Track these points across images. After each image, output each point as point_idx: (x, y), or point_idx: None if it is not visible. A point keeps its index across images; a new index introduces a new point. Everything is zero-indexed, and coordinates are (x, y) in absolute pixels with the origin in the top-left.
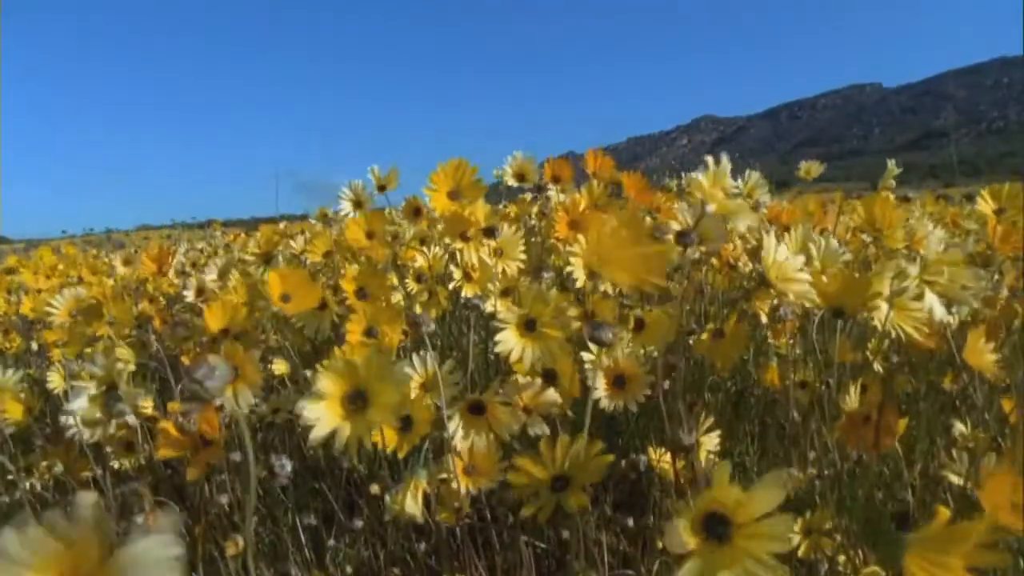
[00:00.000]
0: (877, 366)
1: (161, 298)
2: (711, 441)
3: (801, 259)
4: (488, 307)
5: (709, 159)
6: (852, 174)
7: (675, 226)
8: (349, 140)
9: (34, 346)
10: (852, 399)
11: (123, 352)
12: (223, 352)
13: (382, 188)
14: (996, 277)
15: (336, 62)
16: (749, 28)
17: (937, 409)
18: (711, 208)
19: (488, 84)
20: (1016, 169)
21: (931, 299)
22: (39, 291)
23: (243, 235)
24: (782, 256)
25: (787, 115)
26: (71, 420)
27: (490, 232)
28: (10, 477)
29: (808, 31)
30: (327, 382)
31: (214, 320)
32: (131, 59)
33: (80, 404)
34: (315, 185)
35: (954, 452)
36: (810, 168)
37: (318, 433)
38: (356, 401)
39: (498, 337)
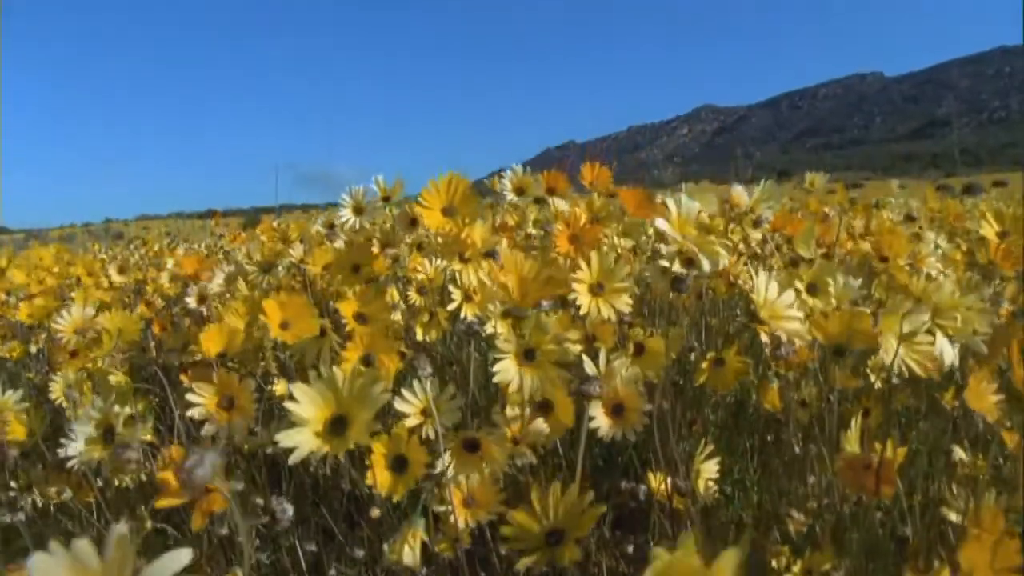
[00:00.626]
0: (878, 383)
1: (159, 299)
2: (710, 468)
3: (791, 296)
4: (488, 329)
5: (673, 202)
6: (853, 163)
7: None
8: (349, 130)
9: (33, 349)
10: (853, 435)
11: (119, 379)
12: (218, 381)
13: (387, 199)
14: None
15: (336, 52)
16: (750, 17)
17: (939, 431)
18: (674, 247)
19: (488, 73)
20: (1018, 159)
21: (942, 343)
22: (36, 295)
23: (243, 234)
24: (773, 294)
25: (788, 104)
26: (72, 453)
27: (491, 254)
28: (12, 494)
29: (809, 20)
30: (304, 408)
31: (211, 344)
32: (131, 49)
33: (79, 447)
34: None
35: (954, 488)
36: (814, 179)
37: (297, 457)
38: (335, 425)
39: (496, 368)
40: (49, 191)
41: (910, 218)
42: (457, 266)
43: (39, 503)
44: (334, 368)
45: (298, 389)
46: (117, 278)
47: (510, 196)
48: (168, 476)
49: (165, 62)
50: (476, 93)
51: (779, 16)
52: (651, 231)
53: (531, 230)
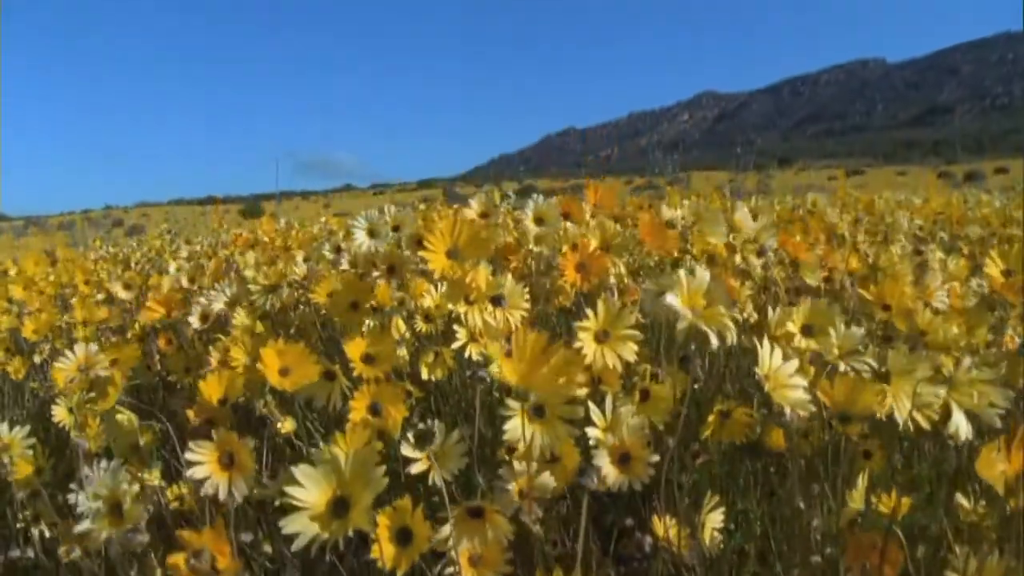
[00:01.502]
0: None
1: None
2: (715, 519)
3: (795, 364)
4: (494, 368)
5: (683, 273)
6: (855, 150)
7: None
8: (348, 118)
9: (37, 360)
10: (859, 493)
11: (124, 417)
12: (217, 439)
13: (396, 228)
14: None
15: (336, 39)
16: (751, 3)
17: (944, 486)
18: (684, 321)
19: (488, 59)
20: (1020, 146)
21: (958, 418)
22: (39, 310)
23: (244, 235)
24: (777, 362)
25: (789, 91)
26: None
27: (496, 301)
28: (19, 526)
29: (811, 5)
30: (306, 492)
31: (212, 390)
32: (131, 37)
33: (88, 524)
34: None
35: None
36: (816, 200)
37: (299, 544)
38: (337, 507)
39: (506, 427)
40: (49, 178)
41: (918, 252)
42: (462, 308)
43: (46, 535)
44: (335, 449)
45: (301, 472)
46: (122, 294)
47: (531, 228)
48: (179, 560)
49: (165, 49)
50: (476, 79)
51: (780, 1)
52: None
53: (532, 247)
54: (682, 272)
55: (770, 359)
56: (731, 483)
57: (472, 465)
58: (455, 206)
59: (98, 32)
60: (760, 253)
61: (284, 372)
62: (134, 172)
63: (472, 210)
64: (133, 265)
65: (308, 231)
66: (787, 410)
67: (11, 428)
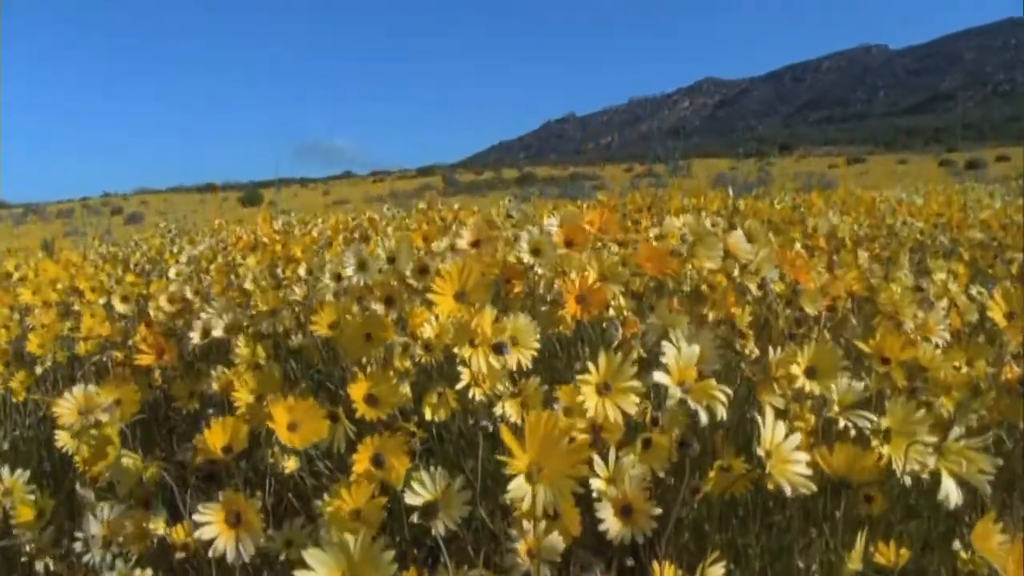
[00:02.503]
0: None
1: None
2: (717, 572)
3: (797, 439)
4: (497, 411)
5: (672, 350)
6: (856, 137)
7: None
8: (348, 103)
9: (39, 370)
10: (857, 552)
11: (129, 460)
12: (223, 499)
13: (391, 259)
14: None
15: (335, 25)
16: None
17: (941, 532)
18: (677, 394)
19: (488, 45)
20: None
21: (948, 485)
22: (43, 323)
23: (244, 236)
24: (779, 436)
25: (790, 77)
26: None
27: (499, 348)
28: (24, 559)
29: None
30: (315, 573)
31: (216, 439)
32: (130, 23)
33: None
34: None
35: None
36: (818, 224)
37: None
38: None
39: (511, 486)
40: (48, 165)
41: (919, 288)
42: (467, 352)
43: (51, 568)
44: (346, 535)
45: (311, 555)
46: (120, 307)
47: (527, 258)
48: None
49: (164, 35)
50: (476, 65)
51: None
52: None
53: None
54: (669, 348)
55: (772, 433)
56: (730, 510)
57: (474, 499)
58: (456, 206)
59: (96, 18)
60: (761, 286)
61: (292, 427)
62: (133, 159)
63: (464, 238)
64: (133, 265)
65: (308, 236)
66: (787, 487)
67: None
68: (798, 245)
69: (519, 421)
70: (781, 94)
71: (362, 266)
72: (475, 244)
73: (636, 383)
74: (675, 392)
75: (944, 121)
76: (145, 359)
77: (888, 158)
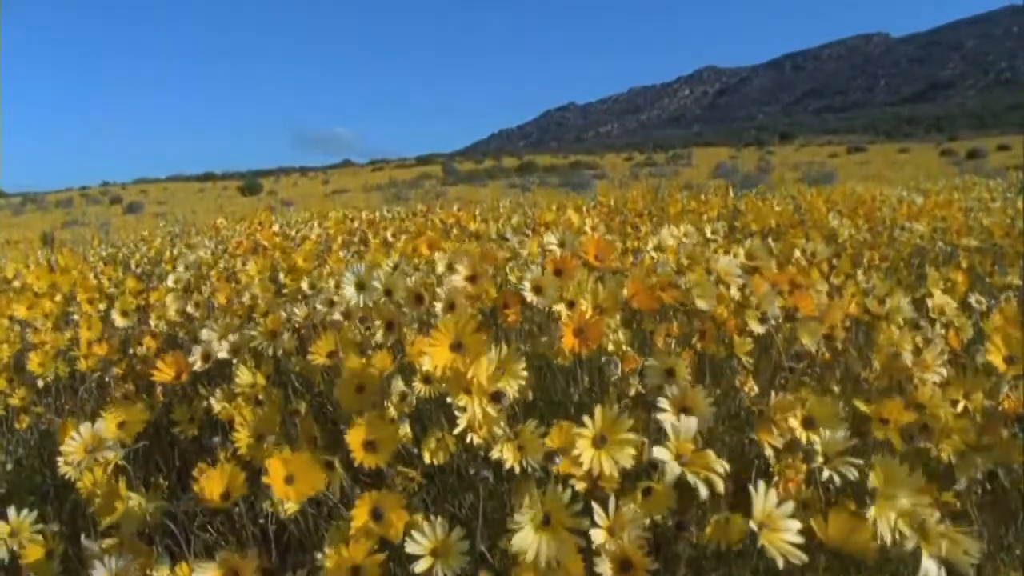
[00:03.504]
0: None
1: (163, 324)
2: None
3: (790, 507)
4: (495, 454)
5: (670, 423)
6: (856, 126)
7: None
8: (347, 92)
9: (40, 383)
10: None
11: (136, 501)
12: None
13: (388, 292)
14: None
15: (334, 12)
16: None
17: None
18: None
19: (489, 34)
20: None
21: (928, 565)
22: (43, 340)
23: (244, 241)
24: (771, 504)
25: (791, 66)
26: None
27: (497, 397)
28: None
29: None
30: None
31: (213, 486)
32: (128, 11)
33: None
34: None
35: None
36: (816, 249)
37: None
38: None
39: (514, 540)
40: (46, 154)
41: (917, 326)
42: (463, 400)
43: None
44: None
45: None
46: (120, 321)
47: (530, 297)
48: None
49: (163, 23)
50: (476, 54)
51: None
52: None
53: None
54: (668, 421)
55: (764, 502)
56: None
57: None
58: (455, 207)
59: (95, 5)
60: (763, 321)
61: (289, 480)
62: (132, 148)
63: (460, 274)
64: (134, 267)
65: (309, 241)
66: (779, 560)
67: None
68: (798, 252)
69: (516, 466)
70: (782, 83)
71: (361, 286)
72: (471, 279)
73: (632, 435)
74: (673, 468)
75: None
76: (161, 376)
77: (889, 147)
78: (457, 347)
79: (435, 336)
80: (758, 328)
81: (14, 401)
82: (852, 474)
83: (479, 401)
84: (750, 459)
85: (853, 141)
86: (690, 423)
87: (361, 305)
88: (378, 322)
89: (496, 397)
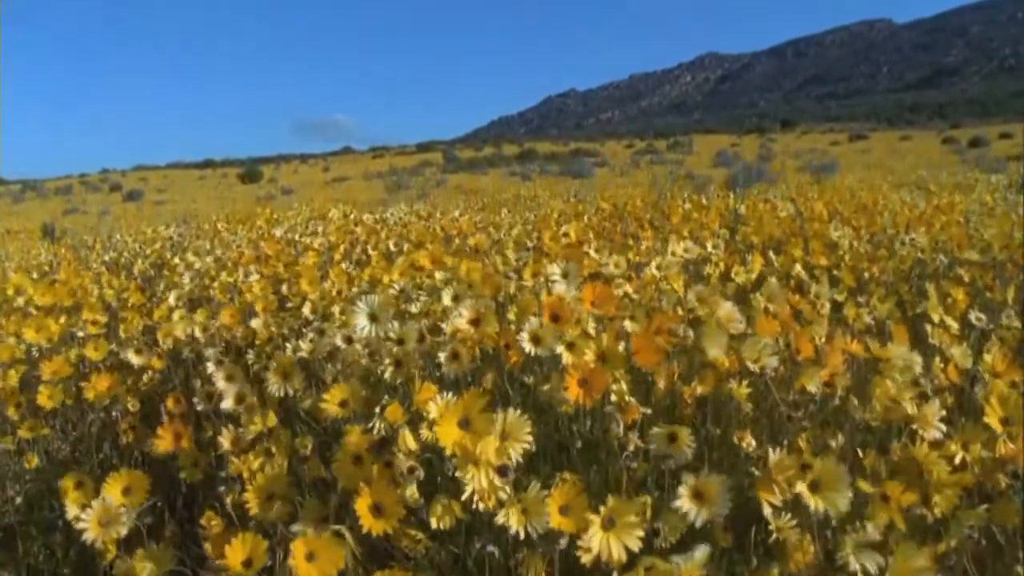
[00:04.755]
0: None
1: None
2: None
3: None
4: (500, 519)
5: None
6: (858, 113)
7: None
8: (348, 78)
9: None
10: None
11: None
12: None
13: (400, 341)
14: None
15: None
16: None
17: None
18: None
19: (489, 20)
20: None
21: None
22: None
23: (247, 253)
24: None
25: (793, 52)
26: None
27: (503, 472)
28: None
29: None
30: None
31: (234, 556)
32: None
33: None
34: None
35: None
36: (820, 292)
37: None
38: None
39: None
40: (46, 142)
41: (916, 383)
42: (470, 474)
43: None
44: None
45: None
46: (135, 359)
47: (528, 348)
48: None
49: (162, 9)
50: (476, 40)
51: None
52: None
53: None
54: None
55: None
56: None
57: None
58: (456, 212)
59: None
60: (761, 374)
61: (310, 558)
62: (131, 135)
63: (463, 318)
64: (136, 273)
65: (312, 254)
66: None
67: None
68: (798, 266)
69: (521, 531)
70: (784, 69)
71: (374, 318)
72: (474, 323)
73: (639, 519)
74: None
75: (948, 97)
76: (162, 444)
77: (891, 135)
78: (465, 424)
79: (441, 417)
80: (756, 369)
81: (23, 433)
82: (874, 568)
83: (485, 473)
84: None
85: (855, 129)
86: (702, 553)
87: (375, 336)
88: (388, 360)
89: (502, 472)
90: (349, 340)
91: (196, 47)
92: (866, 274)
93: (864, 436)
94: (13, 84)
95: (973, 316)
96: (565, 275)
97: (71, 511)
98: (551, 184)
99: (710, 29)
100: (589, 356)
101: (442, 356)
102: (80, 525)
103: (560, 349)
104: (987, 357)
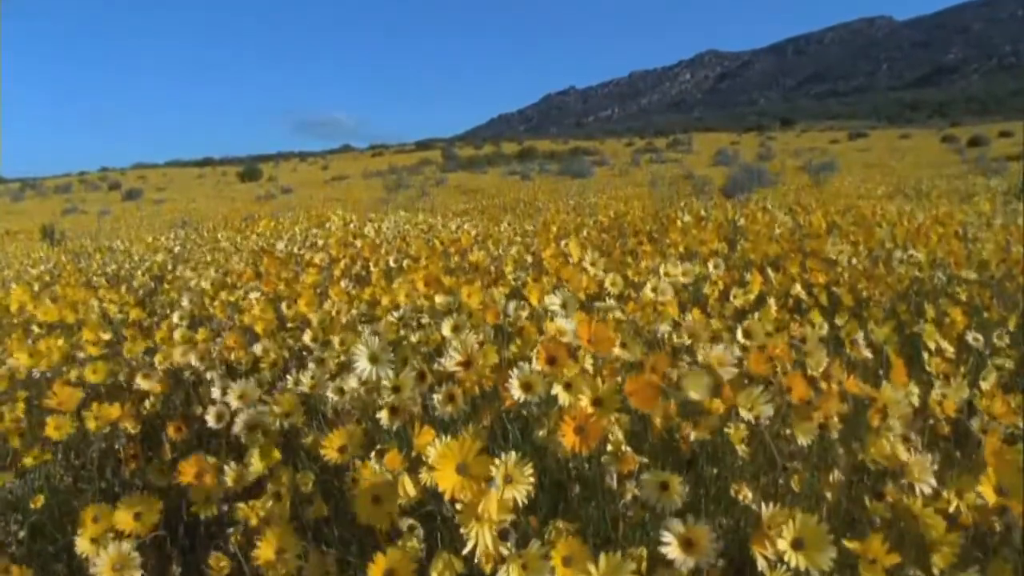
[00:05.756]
0: None
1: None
2: None
3: None
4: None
5: None
6: (858, 111)
7: None
8: (347, 77)
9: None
10: None
11: None
12: None
13: (396, 389)
14: None
15: None
16: None
17: None
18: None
19: (488, 18)
20: None
21: None
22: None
23: (248, 270)
24: None
25: (793, 50)
26: None
27: (504, 535)
28: None
29: None
30: None
31: None
32: None
33: None
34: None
35: None
36: (809, 335)
37: None
38: None
39: None
40: (45, 140)
41: (907, 439)
42: (473, 529)
43: None
44: None
45: None
46: (144, 384)
47: (517, 394)
48: None
49: (161, 8)
50: (476, 37)
51: None
52: None
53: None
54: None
55: None
56: None
57: None
58: (454, 226)
59: None
60: (756, 423)
61: None
62: (131, 133)
63: (454, 359)
64: (136, 286)
65: (312, 270)
66: None
67: None
68: (798, 287)
69: None
70: (784, 67)
71: (374, 360)
72: (465, 365)
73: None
74: None
75: (948, 95)
76: (186, 479)
77: (890, 133)
78: (463, 469)
79: (438, 462)
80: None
81: (28, 461)
82: None
83: (488, 530)
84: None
85: (855, 127)
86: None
87: (374, 377)
88: (384, 408)
89: (503, 535)
90: (342, 392)
91: (196, 45)
92: (864, 293)
93: (858, 475)
94: (13, 82)
95: (970, 337)
96: (564, 305)
97: (84, 547)
98: (550, 184)
99: (710, 27)
100: (585, 401)
101: (437, 399)
102: (94, 570)
103: (557, 390)
104: (984, 401)
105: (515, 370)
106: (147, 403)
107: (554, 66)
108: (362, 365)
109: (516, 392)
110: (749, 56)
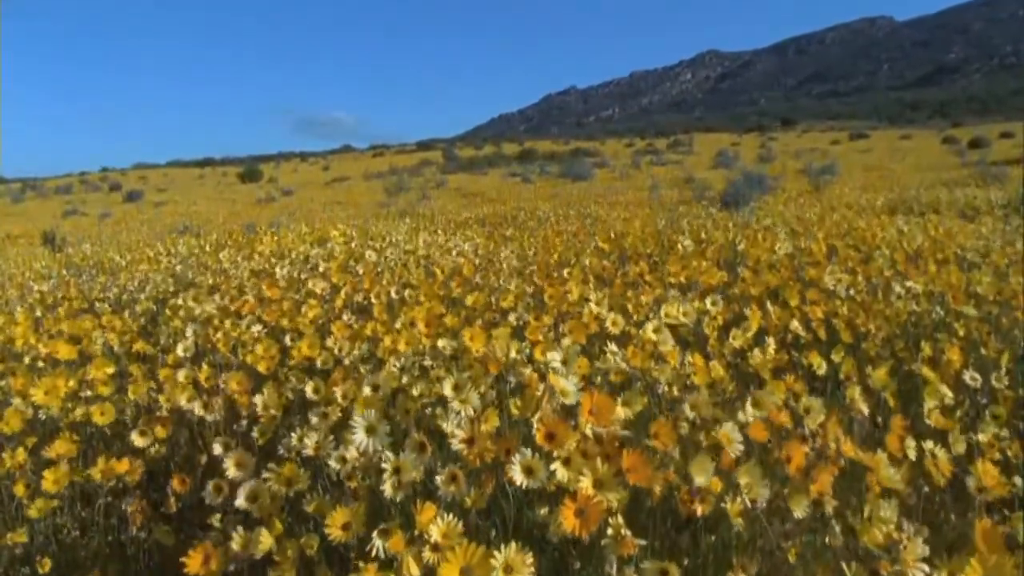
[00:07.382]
0: None
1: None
2: None
3: None
4: None
5: None
6: (859, 111)
7: None
8: (348, 76)
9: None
10: None
11: None
12: None
13: (396, 470)
14: None
15: None
16: None
17: None
18: None
19: (489, 17)
20: None
21: None
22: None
23: (250, 300)
24: None
25: (794, 50)
26: None
27: None
28: None
29: None
30: None
31: None
32: None
33: None
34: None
35: None
36: (811, 406)
37: None
38: None
39: None
40: (46, 140)
41: (899, 528)
42: None
43: None
44: None
45: None
46: (139, 440)
47: (519, 479)
48: None
49: (161, 7)
50: (477, 37)
51: None
52: None
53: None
54: None
55: None
56: None
57: None
58: (454, 252)
59: None
60: (753, 505)
61: None
62: (131, 134)
63: (458, 437)
64: (139, 311)
65: (314, 302)
66: None
67: None
68: (795, 322)
69: None
70: (784, 67)
71: (371, 431)
72: (469, 442)
73: None
74: None
75: (949, 94)
76: (192, 567)
77: (891, 133)
78: (467, 573)
79: (448, 561)
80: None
81: (32, 513)
82: None
83: None
84: None
85: (856, 127)
86: None
87: (371, 450)
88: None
89: None
90: (344, 461)
91: (196, 45)
92: (862, 328)
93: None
94: (13, 82)
95: (968, 376)
96: (564, 362)
97: None
98: (551, 187)
99: (711, 27)
100: (586, 483)
101: (439, 479)
102: None
103: (556, 466)
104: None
105: (517, 455)
106: (151, 450)
107: (555, 66)
108: (360, 437)
109: (518, 477)
110: (750, 56)
